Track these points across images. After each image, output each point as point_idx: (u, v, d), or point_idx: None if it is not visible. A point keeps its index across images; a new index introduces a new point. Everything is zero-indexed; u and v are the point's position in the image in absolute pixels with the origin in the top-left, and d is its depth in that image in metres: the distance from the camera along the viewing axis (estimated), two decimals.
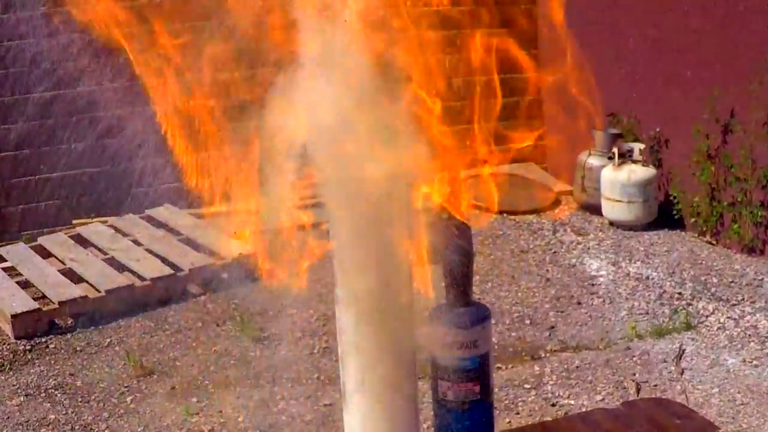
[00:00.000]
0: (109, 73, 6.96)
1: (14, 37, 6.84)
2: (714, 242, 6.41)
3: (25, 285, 6.08)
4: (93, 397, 4.99)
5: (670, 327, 5.34)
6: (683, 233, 6.59)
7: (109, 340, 5.58)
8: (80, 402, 4.96)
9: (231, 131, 2.65)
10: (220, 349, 5.42)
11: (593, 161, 6.92)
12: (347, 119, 2.42)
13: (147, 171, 7.23)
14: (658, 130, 6.74)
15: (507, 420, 4.49)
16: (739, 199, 6.23)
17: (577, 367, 4.98)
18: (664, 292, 5.77)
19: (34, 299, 5.87)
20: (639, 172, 6.65)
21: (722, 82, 6.18)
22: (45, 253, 6.53)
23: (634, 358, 5.05)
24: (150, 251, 6.39)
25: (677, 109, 6.57)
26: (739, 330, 5.28)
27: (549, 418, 4.37)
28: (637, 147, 6.71)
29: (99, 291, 5.91)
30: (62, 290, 5.91)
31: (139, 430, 4.70)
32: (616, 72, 7.00)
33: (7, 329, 5.69)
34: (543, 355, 5.16)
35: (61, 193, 7.06)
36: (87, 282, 6.06)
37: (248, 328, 5.55)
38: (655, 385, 4.75)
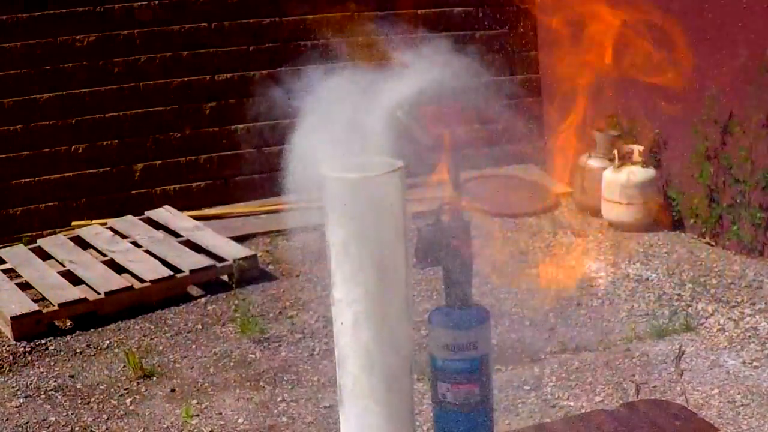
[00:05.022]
0: None
1: None
2: (713, 243, 6.40)
3: (25, 287, 6.08)
4: (93, 399, 4.99)
5: (670, 328, 5.33)
6: (682, 234, 6.59)
7: (108, 342, 5.58)
8: (80, 404, 4.96)
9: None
10: (220, 350, 5.42)
11: (593, 163, 6.92)
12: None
13: (147, 172, 7.24)
14: (657, 131, 6.74)
15: (507, 421, 4.48)
16: (738, 201, 6.22)
17: (577, 368, 4.98)
18: (664, 293, 5.77)
19: (34, 301, 5.87)
20: (638, 173, 6.65)
21: (721, 83, 6.18)
22: (44, 255, 6.53)
23: (634, 360, 5.05)
24: (149, 253, 6.39)
25: (676, 110, 6.56)
26: (738, 331, 5.28)
27: (549, 420, 4.36)
28: (637, 148, 6.71)
29: (98, 293, 5.91)
30: (62, 292, 5.91)
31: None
32: (616, 73, 6.99)
33: (7, 331, 5.69)
34: (542, 356, 5.16)
35: (60, 195, 7.06)
36: (86, 284, 6.06)
37: (248, 330, 5.55)
38: (655, 387, 4.75)
